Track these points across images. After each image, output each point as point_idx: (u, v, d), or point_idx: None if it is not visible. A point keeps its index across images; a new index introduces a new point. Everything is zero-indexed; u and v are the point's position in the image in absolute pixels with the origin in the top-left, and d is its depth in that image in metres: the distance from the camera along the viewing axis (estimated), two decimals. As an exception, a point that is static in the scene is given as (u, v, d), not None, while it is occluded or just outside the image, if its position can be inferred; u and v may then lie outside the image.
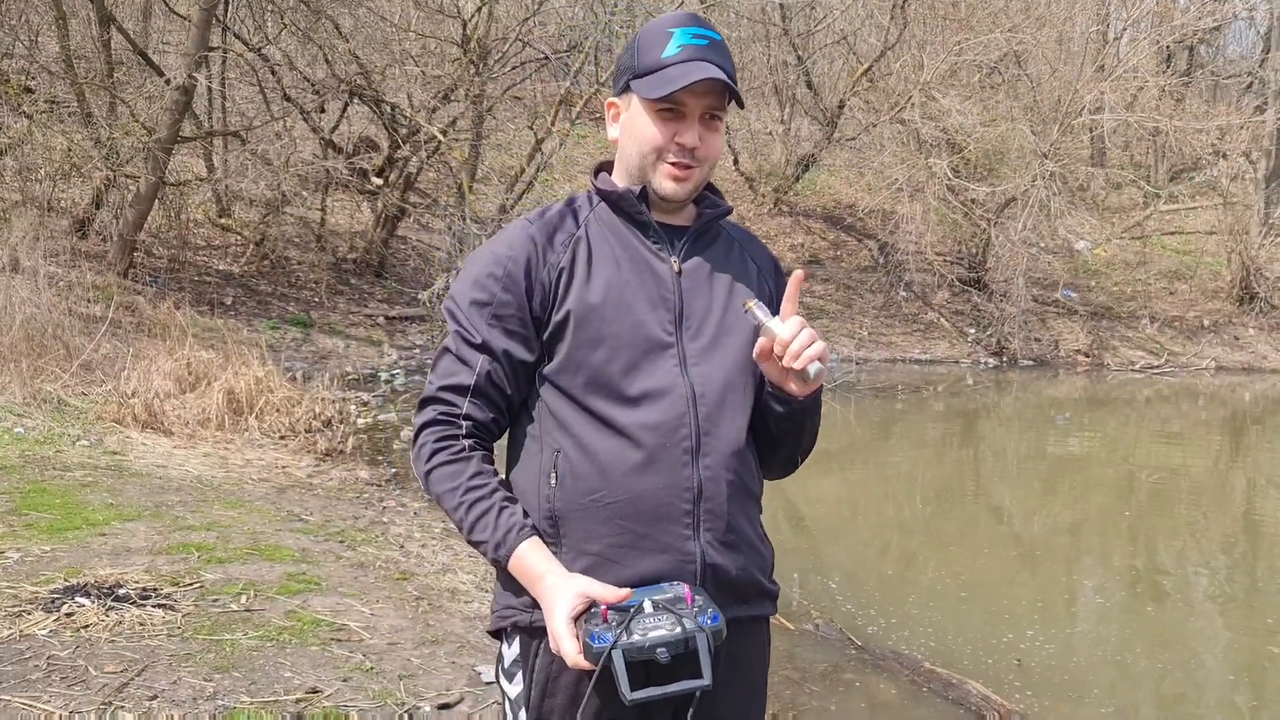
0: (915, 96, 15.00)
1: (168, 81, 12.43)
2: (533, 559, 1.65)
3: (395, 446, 8.46)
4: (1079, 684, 4.77)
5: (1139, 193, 19.28)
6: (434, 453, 1.70)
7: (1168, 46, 18.63)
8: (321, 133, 14.64)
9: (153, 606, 3.85)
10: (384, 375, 12.22)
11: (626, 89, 1.77)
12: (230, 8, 13.75)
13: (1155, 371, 16.22)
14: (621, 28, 13.86)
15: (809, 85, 17.71)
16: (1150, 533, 8.26)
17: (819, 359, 1.70)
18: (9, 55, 13.87)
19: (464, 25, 14.09)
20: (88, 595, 3.88)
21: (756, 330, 1.73)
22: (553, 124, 14.43)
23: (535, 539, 1.66)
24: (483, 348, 1.71)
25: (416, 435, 1.74)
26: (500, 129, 15.65)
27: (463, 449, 1.70)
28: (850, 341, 15.68)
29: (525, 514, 1.69)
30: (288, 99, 14.08)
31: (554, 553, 1.68)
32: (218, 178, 14.27)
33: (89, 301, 10.99)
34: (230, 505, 5.67)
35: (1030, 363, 15.94)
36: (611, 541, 1.68)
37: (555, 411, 1.72)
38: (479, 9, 14.02)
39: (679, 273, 1.77)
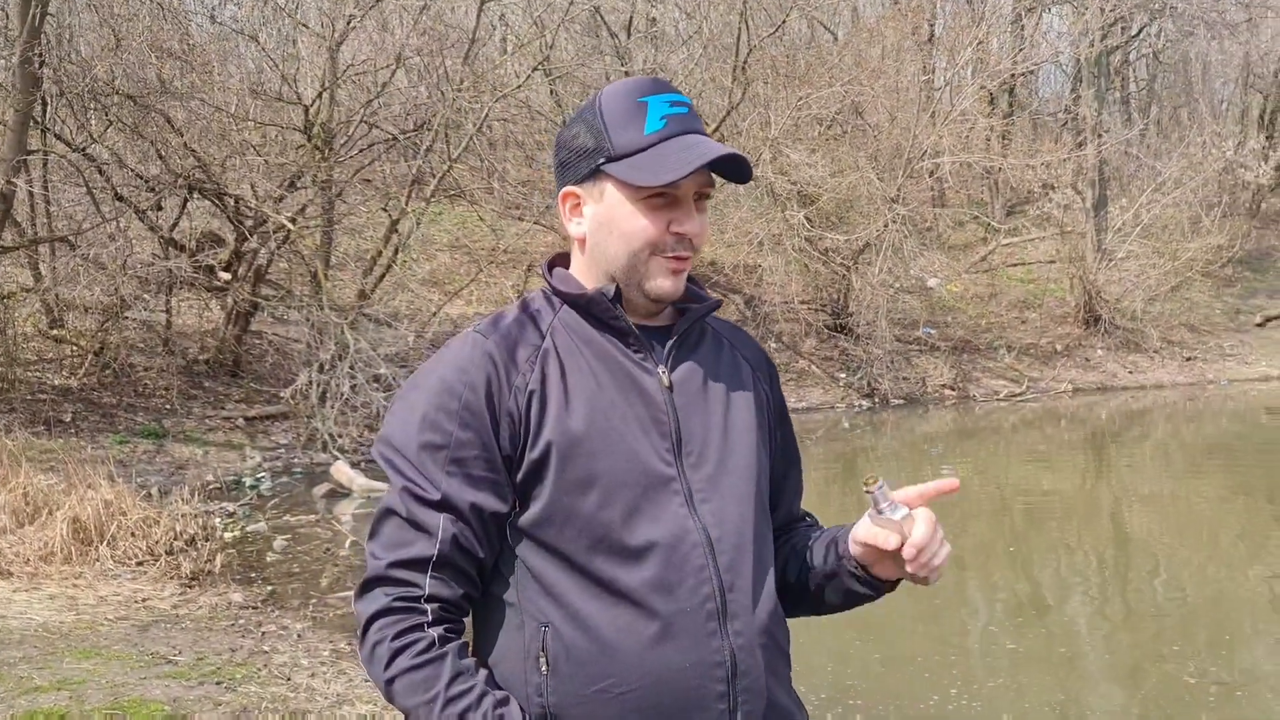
0: (765, 152, 15.32)
1: (-17, 190, 11.58)
2: None
3: (269, 559, 7.87)
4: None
5: (980, 228, 20.18)
6: (394, 655, 1.31)
7: (990, 91, 19.69)
8: (160, 231, 13.89)
9: (-1, 797, 3.31)
10: (248, 481, 11.49)
11: (596, 174, 1.45)
12: (50, 108, 12.97)
13: (1018, 398, 16.81)
14: (470, 104, 13.71)
15: (659, 148, 17.90)
16: (1028, 555, 8.43)
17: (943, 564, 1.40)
18: None
19: (305, 111, 13.69)
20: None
21: (874, 511, 1.40)
22: (407, 204, 14.09)
23: None
24: (442, 504, 1.34)
25: (365, 629, 1.34)
26: (352, 213, 15.20)
27: (430, 643, 1.31)
28: (726, 397, 15.70)
29: (523, 716, 1.32)
30: (120, 198, 13.32)
31: None
32: (46, 287, 13.33)
33: (-94, 434, 9.98)
34: (84, 655, 5.06)
35: (901, 401, 16.30)
36: None
37: (538, 574, 1.36)
38: (319, 94, 13.65)
39: (670, 386, 1.44)
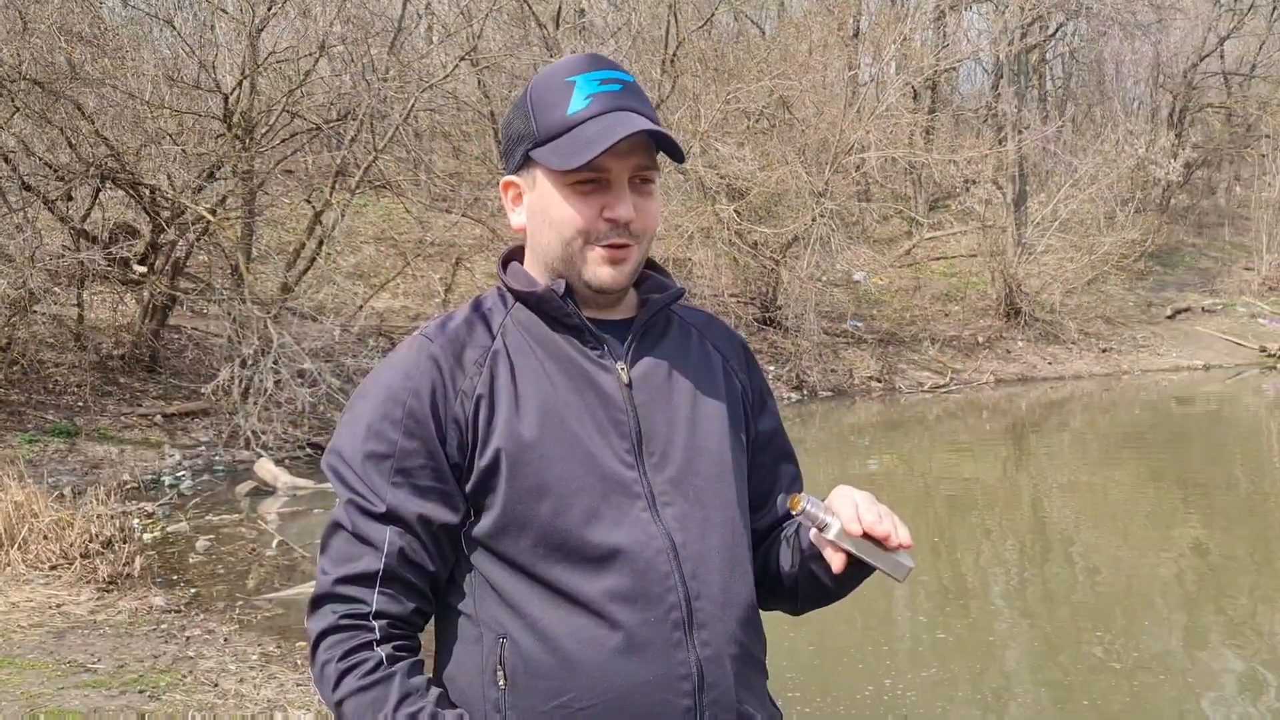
0: (694, 146, 15.35)
1: (-120, 178, 11.03)
2: None
3: (191, 561, 7.65)
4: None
5: (905, 223, 20.54)
6: (342, 675, 1.24)
7: (914, 87, 20.02)
8: (71, 222, 13.39)
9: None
10: (168, 480, 11.16)
11: (527, 162, 1.37)
12: (-51, 93, 12.40)
13: (942, 390, 17.15)
14: (396, 94, 13.48)
15: (588, 141, 17.84)
16: (952, 542, 8.61)
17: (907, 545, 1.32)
18: None
19: (225, 99, 13.31)
20: None
21: (816, 529, 1.33)
22: (331, 195, 13.80)
23: None
24: (388, 517, 1.28)
25: (314, 648, 1.27)
26: (274, 204, 14.84)
27: (378, 663, 1.25)
28: (657, 390, 15.74)
29: None
30: (27, 188, 12.81)
31: None
32: (-51, 280, 12.76)
33: None
34: (-3, 665, 4.85)
35: (829, 393, 16.50)
36: None
37: (495, 584, 1.29)
38: (239, 82, 13.28)
39: (629, 383, 1.36)
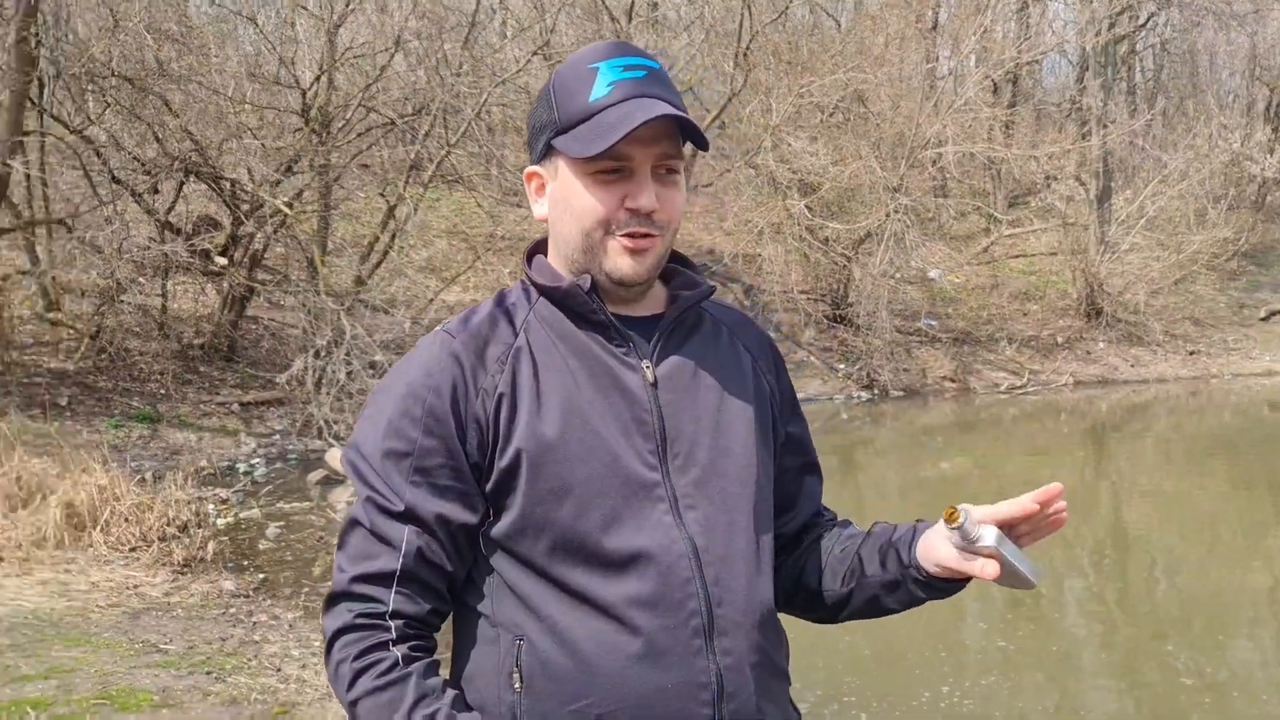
0: (766, 140, 15.20)
1: (-22, 171, 11.49)
2: None
3: (261, 547, 7.81)
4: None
5: (983, 219, 20.07)
6: (357, 675, 1.23)
7: (994, 80, 19.55)
8: (157, 214, 13.79)
9: (-21, 791, 3.25)
10: (242, 467, 11.43)
11: (549, 151, 1.34)
12: (46, 90, 12.85)
13: (1019, 391, 16.74)
14: (469, 89, 13.60)
15: (660, 135, 17.80)
16: (1026, 550, 8.37)
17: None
18: None
19: (303, 95, 13.57)
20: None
21: (964, 543, 1.31)
22: (404, 189, 13.99)
23: None
24: (406, 515, 1.26)
25: (329, 646, 1.26)
26: (349, 198, 15.10)
27: (394, 663, 1.23)
28: (725, 387, 15.65)
29: None
30: (117, 181, 13.22)
31: None
32: (42, 270, 13.25)
33: (-100, 416, 9.91)
34: (74, 643, 5.00)
35: (901, 393, 16.23)
36: None
37: (514, 585, 1.27)
38: (317, 78, 13.53)
39: (654, 383, 1.33)
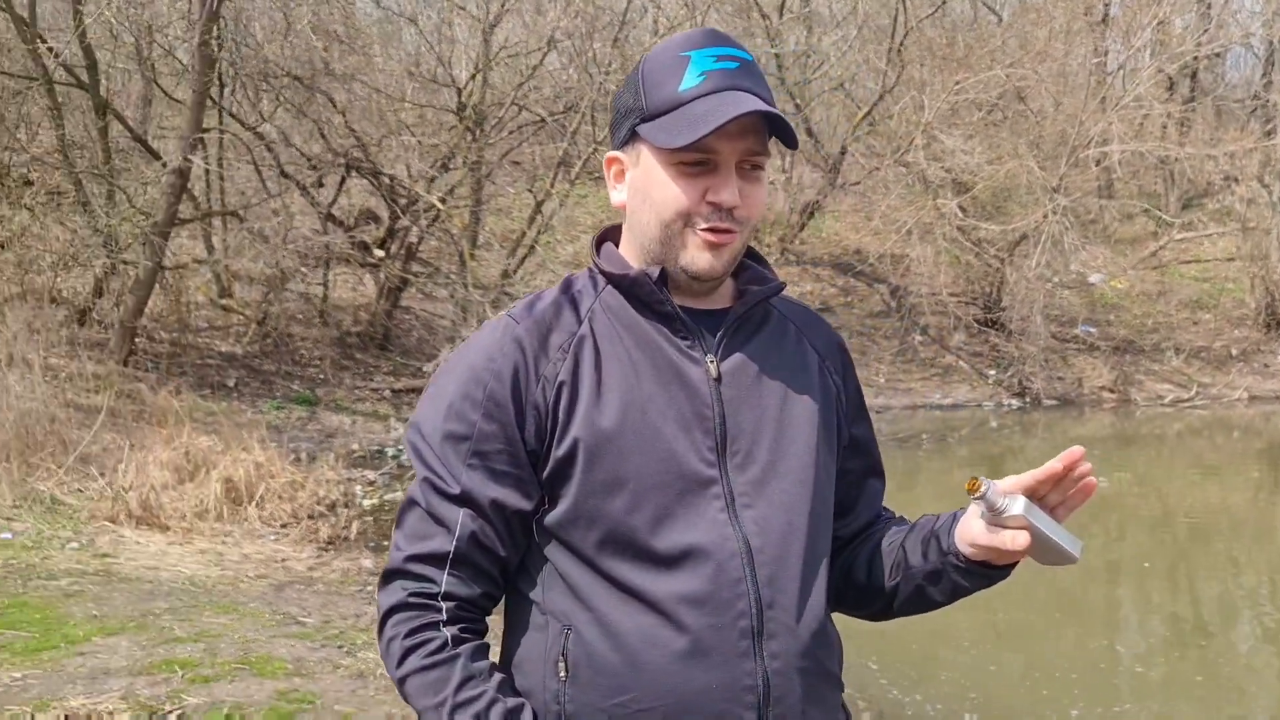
0: (918, 138, 14.78)
1: (164, 165, 12.33)
2: None
3: (402, 529, 8.11)
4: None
5: (1151, 222, 18.97)
6: (406, 653, 1.25)
7: (1169, 75, 18.45)
8: (320, 207, 14.50)
9: (126, 742, 3.50)
10: (390, 451, 11.90)
11: (633, 137, 1.32)
12: (225, 89, 13.69)
13: (1185, 404, 15.76)
14: (617, 86, 13.74)
15: (809, 133, 17.57)
16: (1191, 573, 7.87)
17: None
18: (9, 149, 13.85)
19: (459, 93, 14.01)
20: (54, 733, 3.53)
21: (989, 514, 1.27)
22: (552, 186, 14.27)
23: None
24: (462, 499, 1.27)
25: (382, 623, 1.29)
26: (500, 194, 15.50)
27: (444, 643, 1.25)
28: (868, 390, 15.27)
29: None
30: (284, 175, 13.97)
31: None
32: (216, 258, 14.14)
33: (89, 392, 10.73)
34: (222, 610, 5.32)
35: (1054, 402, 15.53)
36: None
37: (565, 574, 1.28)
38: (473, 76, 13.94)
39: (717, 378, 1.31)
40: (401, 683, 1.27)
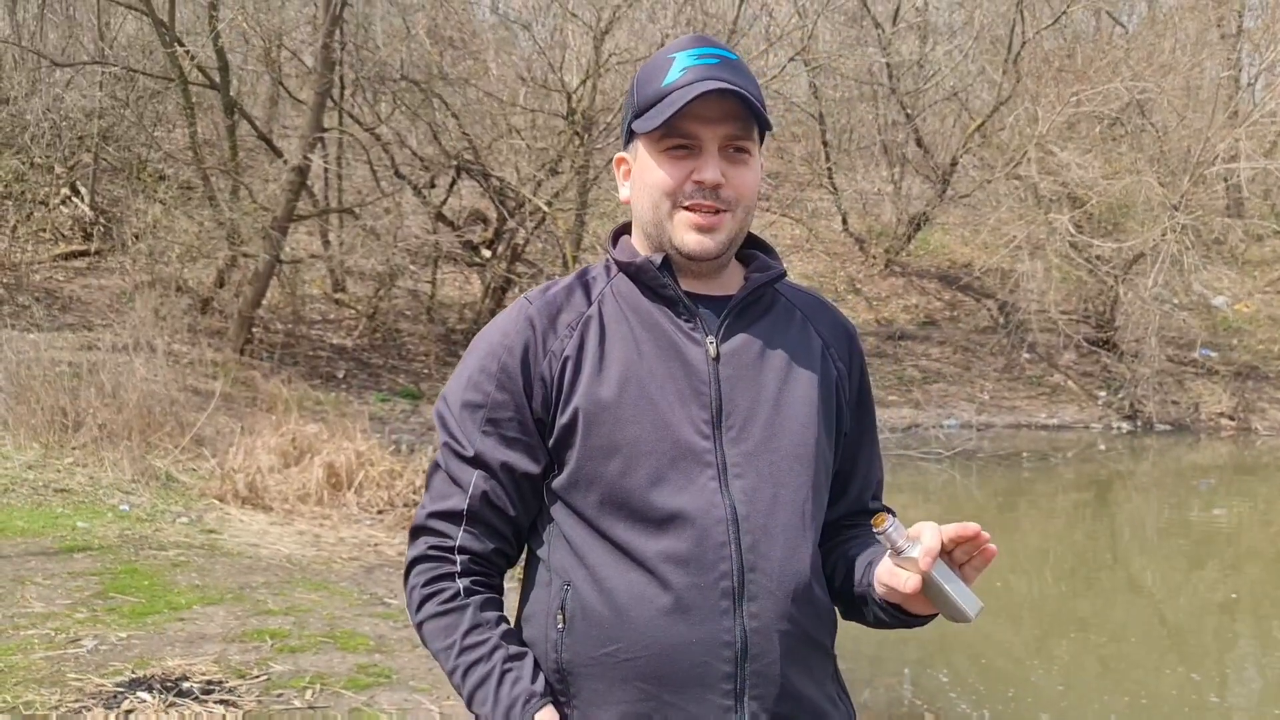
0: (1031, 151, 14.40)
1: (285, 162, 12.88)
2: None
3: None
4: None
5: (1283, 244, 18.08)
6: (423, 600, 1.39)
7: (1308, 89, 17.55)
8: (432, 207, 14.93)
9: (215, 703, 3.71)
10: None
11: (631, 135, 1.45)
12: (346, 91, 14.23)
13: (1311, 435, 14.98)
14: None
15: (919, 143, 17.30)
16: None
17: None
18: (147, 145, 14.67)
19: (569, 98, 14.24)
20: (150, 690, 3.76)
21: (893, 553, 1.33)
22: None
23: (545, 713, 1.32)
24: (475, 461, 1.39)
25: (407, 572, 1.42)
26: (606, 198, 15.68)
27: (456, 593, 1.37)
28: (971, 406, 14.99)
29: (536, 673, 1.34)
30: (399, 175, 14.43)
31: (565, 714, 1.34)
32: (331, 254, 14.68)
33: (208, 377, 11.29)
34: (314, 587, 5.55)
35: (1167, 427, 14.92)
36: (629, 709, 1.32)
37: (568, 534, 1.38)
38: (583, 82, 14.16)
39: (716, 357, 1.40)
40: (419, 627, 1.40)
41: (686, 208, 1.39)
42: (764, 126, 1.41)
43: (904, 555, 1.29)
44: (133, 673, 3.93)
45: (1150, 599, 7.75)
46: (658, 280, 1.42)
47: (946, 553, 1.31)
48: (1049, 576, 8.41)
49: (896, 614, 1.39)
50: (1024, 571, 8.46)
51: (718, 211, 1.39)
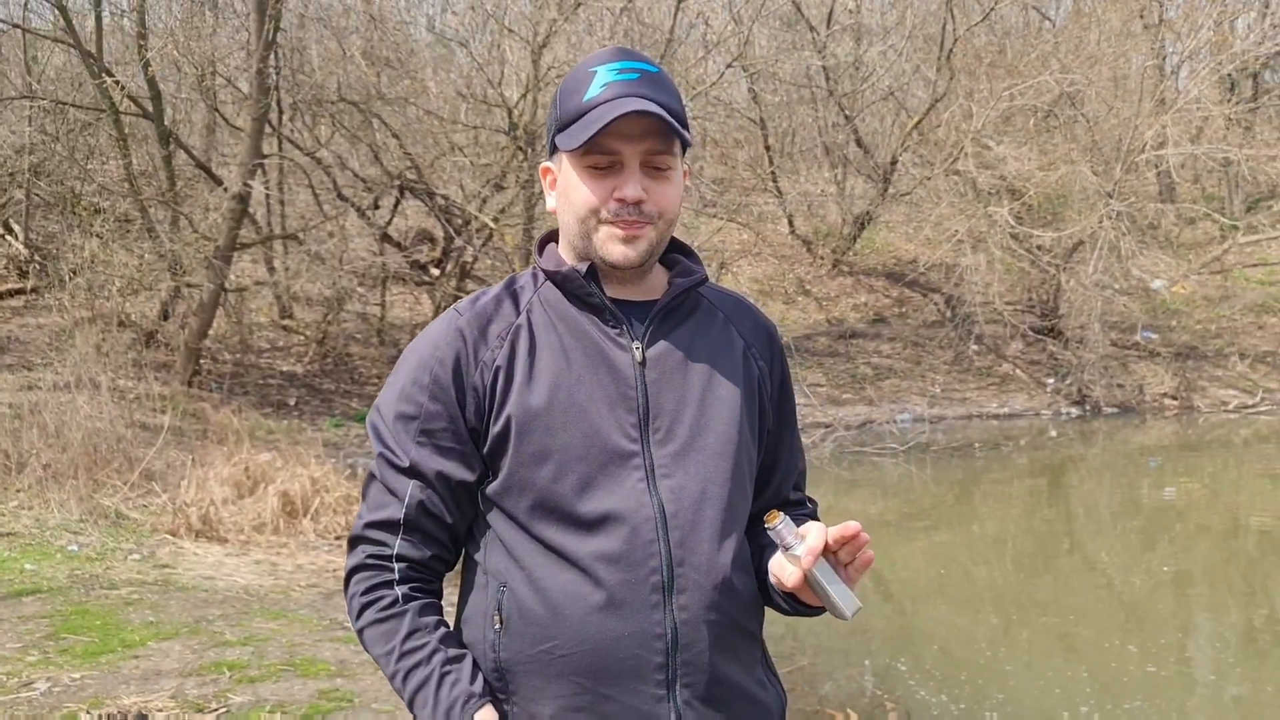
0: (968, 146, 14.65)
1: (225, 190, 12.73)
2: None
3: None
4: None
5: (1214, 226, 18.53)
6: (363, 608, 1.42)
7: (1230, 75, 18.05)
8: (376, 229, 14.83)
9: (173, 737, 3.64)
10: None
11: (555, 148, 1.48)
12: (284, 116, 14.10)
13: (1250, 410, 15.34)
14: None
15: (859, 144, 17.52)
16: (1265, 582, 7.67)
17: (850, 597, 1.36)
18: (79, 179, 14.41)
19: (509, 113, 14.24)
20: (106, 728, 3.69)
21: (781, 548, 1.40)
22: (602, 202, 14.40)
23: (484, 713, 1.35)
24: (411, 471, 1.42)
25: (346, 581, 1.45)
26: (552, 212, 15.68)
27: (394, 600, 1.40)
28: (923, 400, 15.18)
29: (475, 674, 1.37)
30: (341, 198, 14.32)
31: (505, 712, 1.37)
32: (277, 280, 14.52)
33: (155, 411, 11.10)
34: (272, 616, 5.48)
35: (1115, 410, 15.23)
36: (566, 704, 1.36)
37: (503, 538, 1.42)
38: (523, 96, 14.17)
39: (642, 361, 1.43)
40: (360, 634, 1.43)
41: (610, 222, 1.43)
42: (685, 144, 1.44)
43: (790, 552, 1.35)
44: (88, 713, 3.85)
45: (1106, 579, 7.90)
46: (584, 289, 1.46)
47: (832, 553, 1.37)
48: (1007, 563, 8.54)
49: (794, 603, 1.45)
50: (983, 560, 8.58)
51: (640, 224, 1.43)
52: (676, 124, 1.41)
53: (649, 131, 1.41)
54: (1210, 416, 15.21)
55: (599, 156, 1.42)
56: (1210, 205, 18.99)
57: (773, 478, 1.58)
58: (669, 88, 1.45)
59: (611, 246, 1.44)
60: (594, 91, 1.41)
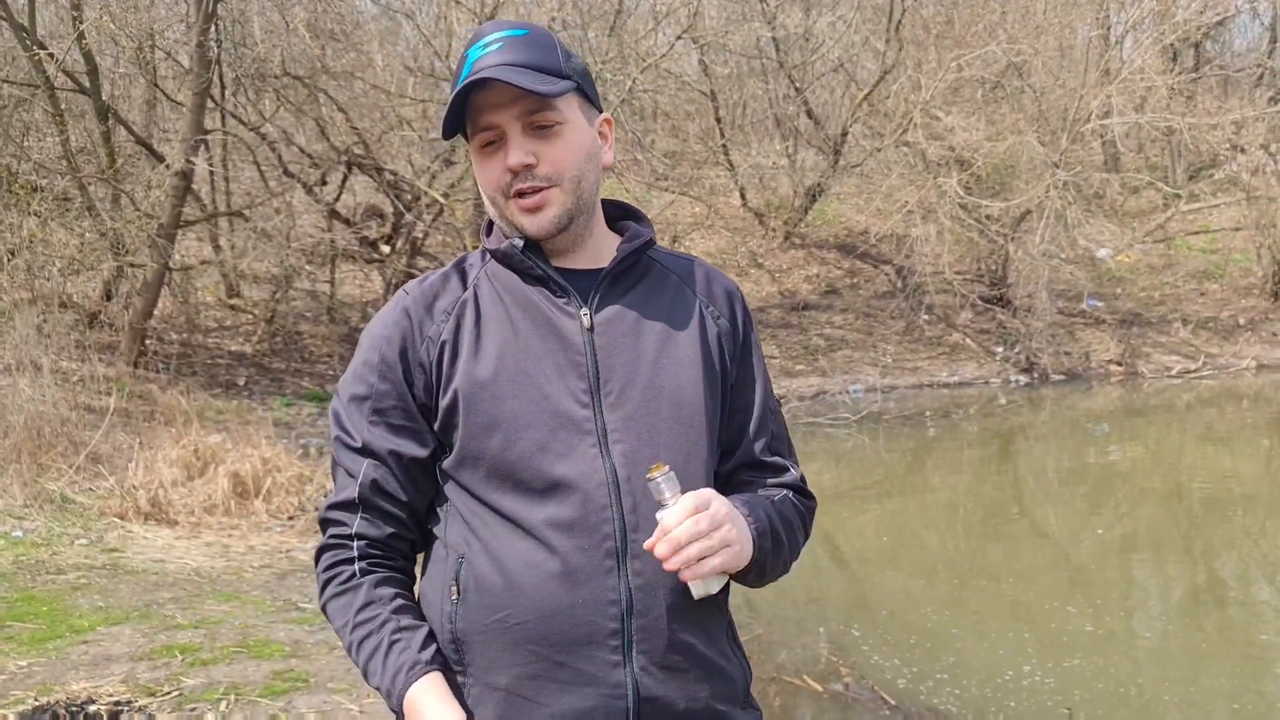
0: (917, 117, 14.74)
1: (167, 167, 12.45)
2: (424, 703, 1.32)
3: (407, 518, 8.20)
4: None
5: (1158, 195, 18.86)
6: (325, 584, 1.44)
7: (1172, 45, 18.31)
8: (324, 205, 14.61)
9: (123, 722, 3.60)
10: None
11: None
12: (226, 91, 13.79)
13: (1193, 375, 15.71)
14: (613, 75, 13.77)
15: (810, 115, 17.55)
16: (1207, 543, 7.88)
17: (705, 575, 1.31)
18: (15, 156, 14.01)
19: (457, 86, 14.06)
20: (55, 716, 3.63)
21: (658, 502, 1.34)
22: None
23: (429, 679, 1.34)
24: (364, 451, 1.43)
25: (315, 560, 1.48)
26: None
27: (352, 575, 1.42)
28: (875, 370, 15.33)
29: (426, 643, 1.37)
30: (287, 174, 14.08)
31: (461, 684, 1.37)
32: (223, 258, 14.26)
33: (100, 394, 10.87)
34: (224, 598, 5.42)
35: (1062, 377, 15.50)
36: (522, 672, 1.35)
37: (461, 511, 1.42)
38: (471, 69, 13.99)
39: (590, 327, 1.43)
40: (324, 609, 1.45)
41: (513, 196, 1.42)
42: (542, 97, 1.39)
43: (663, 509, 1.32)
44: (35, 700, 3.79)
45: (1055, 542, 8.07)
46: (524, 263, 1.46)
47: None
48: (958, 529, 8.68)
49: None
50: (935, 526, 8.72)
51: (539, 190, 1.42)
52: (531, 78, 1.37)
53: (517, 95, 1.39)
54: (1154, 382, 15.55)
55: (483, 134, 1.42)
56: (1154, 174, 19.31)
57: (741, 439, 1.55)
58: (538, 42, 1.43)
59: (525, 219, 1.43)
60: (464, 74, 1.41)
